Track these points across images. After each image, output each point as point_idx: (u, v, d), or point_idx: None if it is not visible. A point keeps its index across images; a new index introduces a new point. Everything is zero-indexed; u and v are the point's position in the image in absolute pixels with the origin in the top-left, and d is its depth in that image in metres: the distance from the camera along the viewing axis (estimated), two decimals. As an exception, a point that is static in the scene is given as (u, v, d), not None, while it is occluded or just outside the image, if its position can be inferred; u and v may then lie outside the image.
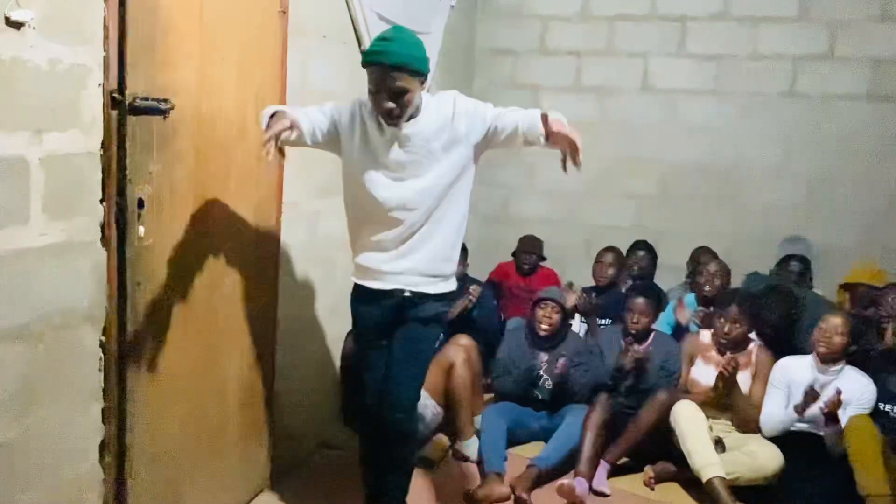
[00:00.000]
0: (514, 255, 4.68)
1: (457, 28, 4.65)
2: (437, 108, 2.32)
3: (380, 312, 2.44)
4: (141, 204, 2.06)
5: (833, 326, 3.17)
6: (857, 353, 3.23)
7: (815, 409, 3.08)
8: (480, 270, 4.65)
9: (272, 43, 2.65)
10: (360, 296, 2.48)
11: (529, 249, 4.62)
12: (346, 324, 3.39)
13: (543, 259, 4.67)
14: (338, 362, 3.45)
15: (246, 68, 2.49)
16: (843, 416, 3.06)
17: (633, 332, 3.53)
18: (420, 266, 2.38)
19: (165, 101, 2.07)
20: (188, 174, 2.25)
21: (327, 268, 3.25)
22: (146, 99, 2.02)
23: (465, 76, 5.11)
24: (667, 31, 4.84)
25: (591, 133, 5.02)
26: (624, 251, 4.46)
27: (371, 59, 2.22)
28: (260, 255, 2.73)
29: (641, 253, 4.45)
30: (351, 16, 3.24)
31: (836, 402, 3.00)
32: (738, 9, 4.69)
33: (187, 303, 2.33)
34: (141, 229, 2.06)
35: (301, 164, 2.93)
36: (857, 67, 4.52)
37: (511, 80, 5.21)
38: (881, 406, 3.17)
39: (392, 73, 2.17)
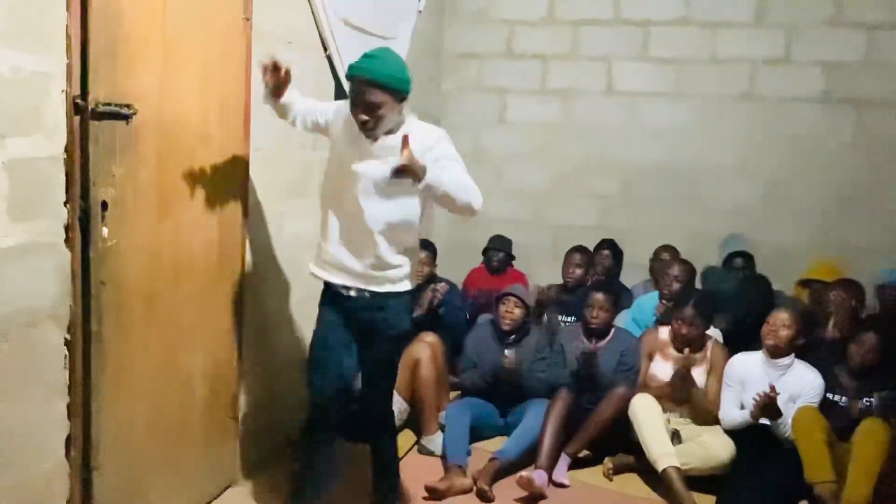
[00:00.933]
0: (483, 252, 4.78)
1: (424, 32, 4.73)
2: (420, 134, 2.43)
3: (337, 309, 2.59)
4: (104, 206, 2.12)
5: (780, 320, 3.30)
6: (805, 346, 3.37)
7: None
8: (449, 270, 4.73)
9: (236, 50, 2.72)
10: (323, 290, 2.67)
11: (498, 247, 4.72)
12: (311, 322, 3.47)
13: (512, 258, 4.77)
14: (303, 360, 3.51)
15: (209, 75, 2.56)
16: (793, 408, 3.19)
17: (592, 326, 3.63)
18: (361, 269, 2.52)
19: (128, 106, 2.14)
20: (151, 177, 2.31)
21: (292, 268, 3.32)
22: (108, 105, 2.08)
23: (433, 80, 5.20)
24: (629, 36, 4.97)
25: (557, 135, 5.19)
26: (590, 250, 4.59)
27: (352, 73, 2.42)
28: (224, 256, 2.79)
29: (606, 252, 4.57)
30: (316, 22, 3.31)
31: (771, 401, 3.11)
32: (698, 14, 4.83)
33: (152, 301, 2.39)
34: (105, 230, 2.12)
35: (266, 166, 3.00)
36: (811, 71, 4.68)
37: (478, 84, 5.31)
38: (828, 396, 3.31)
39: (369, 87, 2.35)
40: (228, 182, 2.76)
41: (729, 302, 3.84)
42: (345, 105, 2.54)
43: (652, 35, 4.94)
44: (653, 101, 4.98)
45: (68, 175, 2.03)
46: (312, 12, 3.29)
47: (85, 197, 2.06)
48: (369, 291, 2.54)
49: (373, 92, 2.35)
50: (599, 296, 3.67)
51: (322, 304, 2.69)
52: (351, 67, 2.44)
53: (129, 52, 2.15)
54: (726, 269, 4.32)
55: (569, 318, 4.16)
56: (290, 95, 2.60)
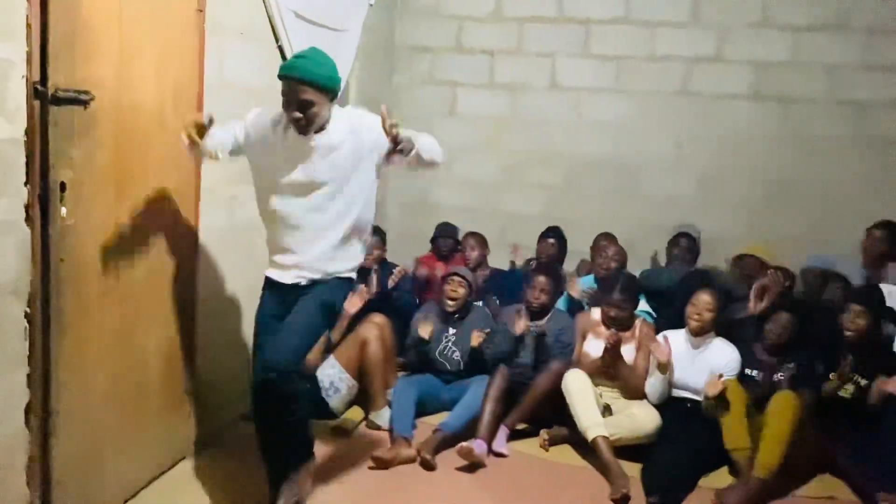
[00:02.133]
0: (432, 240, 4.96)
1: (376, 25, 4.88)
2: (345, 121, 2.60)
3: (278, 301, 2.71)
4: (63, 187, 2.24)
5: (704, 303, 3.55)
6: (725, 322, 3.62)
7: (686, 379, 3.45)
8: (399, 256, 4.90)
9: (190, 40, 2.85)
10: (266, 284, 2.79)
11: (446, 234, 4.91)
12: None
13: (459, 244, 4.96)
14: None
15: (164, 63, 2.69)
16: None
17: (534, 307, 3.84)
18: (315, 264, 2.67)
19: (86, 92, 2.26)
20: (108, 160, 2.44)
21: (245, 251, 3.45)
22: (67, 91, 2.20)
23: (385, 73, 5.36)
24: (572, 33, 5.19)
25: (505, 128, 5.39)
26: (535, 239, 4.81)
27: (283, 73, 2.54)
28: (179, 237, 2.93)
29: (552, 240, 4.79)
30: (268, 14, 3.44)
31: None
32: (637, 13, 5.07)
33: (108, 278, 2.52)
34: (63, 210, 2.25)
35: (219, 153, 3.13)
36: (741, 69, 4.96)
37: (429, 77, 5.48)
38: (747, 371, 3.57)
39: (300, 86, 2.48)
40: (182, 166, 2.90)
41: (671, 301, 4.06)
42: (266, 118, 2.65)
43: (593, 33, 5.17)
44: (595, 96, 5.21)
45: (28, 157, 2.14)
46: (264, 4, 3.41)
47: (44, 178, 2.19)
48: (318, 279, 2.69)
49: (305, 90, 2.48)
50: (542, 278, 3.89)
51: (265, 291, 2.80)
52: (283, 67, 2.57)
53: (87, 40, 2.28)
54: (670, 247, 4.57)
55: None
56: (206, 138, 2.57)
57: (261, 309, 2.79)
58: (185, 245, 2.99)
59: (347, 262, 2.75)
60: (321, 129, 2.59)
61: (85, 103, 2.27)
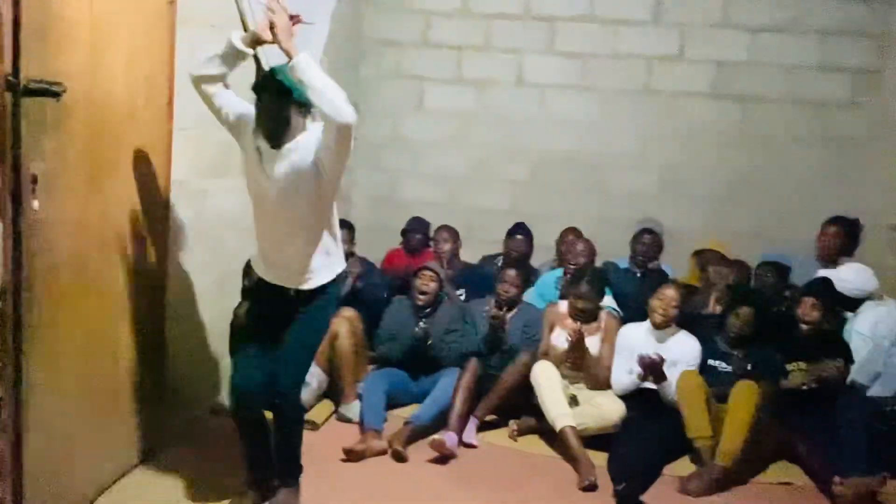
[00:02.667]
0: (402, 233, 4.98)
1: (344, 18, 4.88)
2: (314, 133, 2.57)
3: (265, 302, 2.75)
4: (35, 179, 2.21)
5: (668, 298, 3.65)
6: (687, 316, 3.73)
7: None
8: (368, 250, 4.92)
9: (161, 32, 2.83)
10: (256, 282, 2.81)
11: (416, 228, 4.94)
12: (234, 298, 3.62)
13: (430, 239, 4.99)
14: (226, 334, 3.65)
15: (135, 56, 2.67)
16: (676, 372, 3.53)
17: (503, 300, 3.90)
18: (294, 266, 2.69)
19: (58, 84, 2.23)
20: (80, 153, 2.41)
21: (215, 244, 3.45)
22: (39, 82, 2.17)
23: (352, 66, 5.36)
24: (538, 31, 5.27)
25: (472, 123, 5.44)
26: (501, 233, 4.87)
27: (259, 87, 2.56)
28: (149, 230, 2.91)
29: (520, 237, 4.84)
30: (238, 6, 3.43)
31: (657, 365, 3.46)
32: (601, 12, 5.18)
33: (80, 272, 2.49)
34: (35, 203, 2.22)
35: (188, 145, 3.12)
36: (702, 68, 5.10)
37: (396, 71, 5.50)
38: (710, 362, 3.68)
39: (278, 99, 2.49)
40: (153, 159, 2.88)
41: (634, 299, 4.16)
42: (250, 111, 2.62)
43: (558, 30, 5.26)
44: (560, 93, 5.30)
45: (0, 149, 2.12)
46: (234, -3, 3.41)
47: (16, 170, 2.15)
48: (304, 290, 2.70)
49: (281, 105, 2.50)
50: (511, 272, 3.97)
51: (250, 296, 2.86)
52: (255, 84, 2.59)
53: (59, 32, 2.25)
54: (634, 243, 4.68)
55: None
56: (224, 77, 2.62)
57: (246, 309, 2.84)
58: (157, 239, 2.98)
59: (329, 269, 2.75)
60: (292, 137, 2.58)
61: (57, 95, 2.23)
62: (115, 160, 2.62)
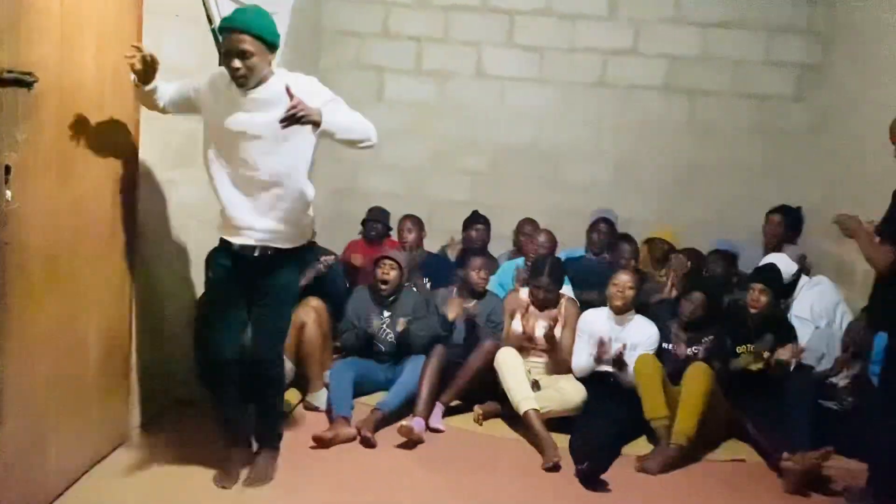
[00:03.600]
0: (362, 223, 5.01)
1: (302, 9, 4.87)
2: (298, 84, 2.63)
3: (234, 265, 2.78)
4: (8, 170, 2.20)
5: (624, 283, 3.79)
6: (643, 301, 3.88)
7: (608, 357, 3.67)
8: (329, 241, 4.93)
9: (128, 22, 2.82)
10: (220, 248, 2.84)
11: (376, 218, 4.97)
12: (199, 289, 3.62)
13: (390, 229, 5.03)
14: (192, 324, 3.65)
15: (103, 46, 2.66)
16: (634, 355, 3.67)
17: (479, 289, 4.02)
18: (268, 225, 2.74)
19: (30, 74, 2.23)
20: (52, 143, 2.40)
21: (181, 235, 3.44)
22: (11, 72, 2.16)
23: (312, 55, 5.35)
24: (496, 23, 5.35)
25: (431, 114, 5.49)
26: (460, 223, 4.95)
27: (224, 24, 2.67)
28: (118, 220, 2.90)
29: (480, 226, 4.93)
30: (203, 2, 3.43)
31: (620, 357, 3.60)
32: (558, 5, 5.28)
33: (52, 263, 2.49)
34: (8, 193, 2.20)
35: (156, 136, 3.11)
36: (655, 62, 5.25)
37: (356, 62, 5.51)
38: (664, 346, 3.83)
39: (239, 35, 2.56)
40: (121, 149, 2.88)
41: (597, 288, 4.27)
42: (216, 75, 2.73)
43: (516, 23, 5.34)
44: (518, 85, 5.40)
45: (-27, 139, 2.10)
46: (198, -13, 3.40)
47: (-10, 160, 2.14)
48: (272, 248, 2.76)
49: (244, 40, 2.55)
50: (481, 261, 4.09)
51: (216, 264, 2.86)
52: (224, 20, 2.69)
53: (30, 23, 2.24)
54: (590, 233, 4.82)
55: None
56: (155, 84, 2.70)
57: (215, 274, 2.86)
58: (124, 228, 2.96)
59: (295, 235, 2.82)
60: (260, 83, 2.65)
61: (29, 85, 2.23)
62: (84, 151, 2.61)
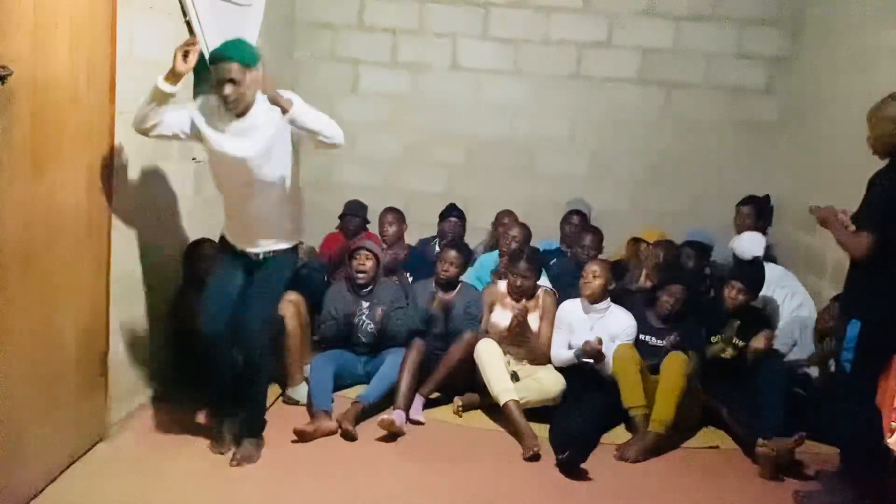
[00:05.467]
0: (340, 217, 5.00)
1: (278, 0, 4.82)
2: (265, 103, 2.88)
3: (236, 260, 3.12)
4: (-18, 165, 2.17)
5: (590, 272, 3.83)
6: (620, 292, 3.92)
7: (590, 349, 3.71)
8: (305, 235, 4.90)
9: (102, 15, 2.78)
10: (226, 245, 3.17)
11: (354, 212, 4.96)
12: (175, 284, 3.59)
13: (367, 222, 5.02)
14: (168, 319, 3.62)
15: (77, 38, 2.62)
16: (612, 346, 3.71)
17: (442, 279, 4.00)
18: (262, 236, 3.08)
19: (3, 67, 2.19)
20: (26, 138, 2.36)
21: (157, 230, 3.41)
22: (-15, 65, 2.13)
23: (285, 48, 5.31)
24: (472, 16, 5.34)
25: (407, 106, 5.48)
26: (437, 216, 4.95)
27: (213, 56, 2.92)
28: (93, 216, 2.86)
29: (454, 218, 4.94)
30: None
31: (597, 350, 3.63)
32: (533, -2, 5.29)
33: (25, 259, 2.45)
34: (-19, 189, 2.18)
35: (130, 129, 3.04)
36: (629, 55, 5.29)
37: (331, 54, 5.48)
38: (642, 337, 3.87)
39: (228, 65, 2.81)
40: (96, 144, 2.84)
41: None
42: (202, 105, 2.96)
43: (492, 16, 5.35)
44: (493, 78, 5.40)
45: (-54, 134, 2.06)
46: (172, -22, 3.36)
47: (-37, 155, 2.11)
48: (273, 251, 3.10)
49: (231, 69, 2.79)
50: (452, 252, 4.06)
51: (224, 256, 3.16)
52: (212, 53, 2.96)
53: (2, 15, 2.20)
54: (563, 224, 4.86)
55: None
56: (176, 88, 2.84)
57: (220, 263, 3.17)
58: (99, 224, 2.93)
59: (293, 232, 3.18)
60: (246, 111, 2.91)
61: (2, 78, 2.19)
62: (58, 145, 2.57)
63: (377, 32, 5.43)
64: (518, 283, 3.87)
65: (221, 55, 2.84)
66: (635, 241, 4.83)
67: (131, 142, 3.09)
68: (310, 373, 3.66)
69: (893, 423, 3.59)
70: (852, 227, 2.88)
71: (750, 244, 4.38)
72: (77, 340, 2.84)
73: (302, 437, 3.29)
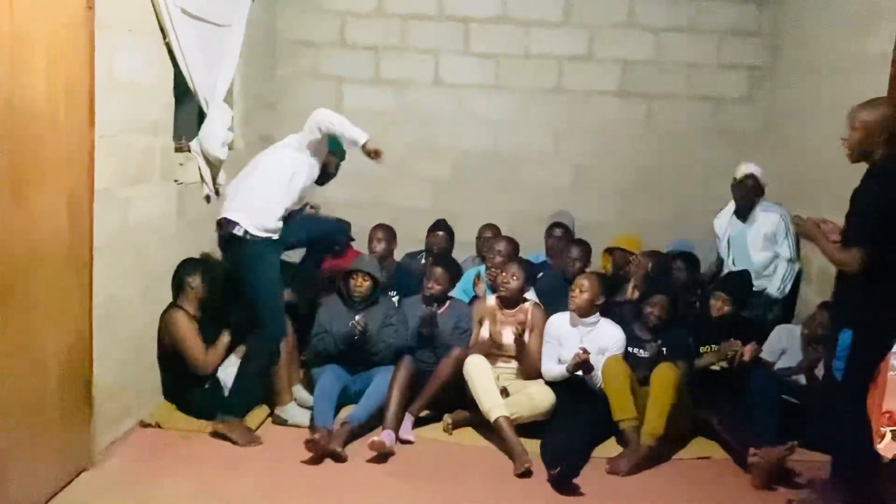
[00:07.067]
0: (325, 236, 4.96)
1: (258, 20, 4.81)
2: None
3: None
4: (-41, 192, 2.14)
5: (579, 286, 3.82)
6: (608, 305, 3.91)
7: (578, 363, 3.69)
8: (292, 252, 4.87)
9: (80, 38, 2.75)
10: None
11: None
12: (160, 306, 3.56)
13: (352, 240, 4.98)
14: (154, 343, 3.58)
15: (55, 63, 2.59)
16: (601, 360, 3.70)
17: (428, 295, 3.99)
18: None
19: (-20, 93, 2.17)
20: (4, 162, 2.34)
21: (139, 253, 3.37)
22: (-40, 92, 2.10)
23: (268, 67, 5.30)
24: (453, 32, 5.37)
25: (391, 122, 5.47)
26: (424, 231, 4.93)
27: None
28: (74, 241, 2.83)
29: (441, 233, 4.91)
30: (155, 10, 3.36)
31: (584, 360, 3.61)
32: (514, 13, 5.32)
33: (5, 285, 2.41)
34: (-40, 217, 2.14)
35: (111, 152, 3.04)
36: (610, 67, 5.33)
37: (314, 72, 5.47)
38: (630, 349, 3.87)
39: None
40: (76, 168, 2.80)
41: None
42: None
43: (472, 31, 5.37)
44: (476, 92, 5.42)
45: (-79, 162, 2.03)
46: (152, 1, 3.34)
47: (-60, 184, 2.07)
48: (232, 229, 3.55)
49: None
50: (438, 270, 4.04)
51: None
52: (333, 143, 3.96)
53: (-22, 39, 2.18)
54: (547, 237, 4.85)
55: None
56: None
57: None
58: (81, 249, 2.89)
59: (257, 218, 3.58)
60: None
61: (-21, 105, 2.16)
62: (38, 169, 2.54)
63: (359, 50, 5.43)
64: (506, 280, 3.91)
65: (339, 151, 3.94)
66: (610, 251, 4.84)
67: (112, 165, 3.07)
68: (317, 384, 3.64)
69: (882, 429, 3.61)
70: (835, 237, 2.89)
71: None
72: (60, 367, 2.79)
73: (311, 447, 3.24)
